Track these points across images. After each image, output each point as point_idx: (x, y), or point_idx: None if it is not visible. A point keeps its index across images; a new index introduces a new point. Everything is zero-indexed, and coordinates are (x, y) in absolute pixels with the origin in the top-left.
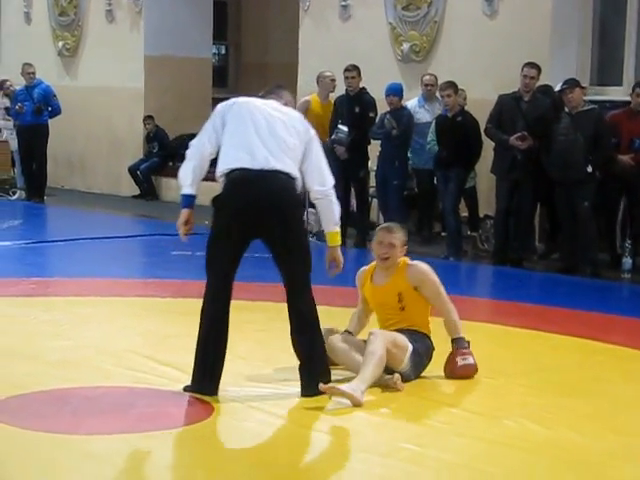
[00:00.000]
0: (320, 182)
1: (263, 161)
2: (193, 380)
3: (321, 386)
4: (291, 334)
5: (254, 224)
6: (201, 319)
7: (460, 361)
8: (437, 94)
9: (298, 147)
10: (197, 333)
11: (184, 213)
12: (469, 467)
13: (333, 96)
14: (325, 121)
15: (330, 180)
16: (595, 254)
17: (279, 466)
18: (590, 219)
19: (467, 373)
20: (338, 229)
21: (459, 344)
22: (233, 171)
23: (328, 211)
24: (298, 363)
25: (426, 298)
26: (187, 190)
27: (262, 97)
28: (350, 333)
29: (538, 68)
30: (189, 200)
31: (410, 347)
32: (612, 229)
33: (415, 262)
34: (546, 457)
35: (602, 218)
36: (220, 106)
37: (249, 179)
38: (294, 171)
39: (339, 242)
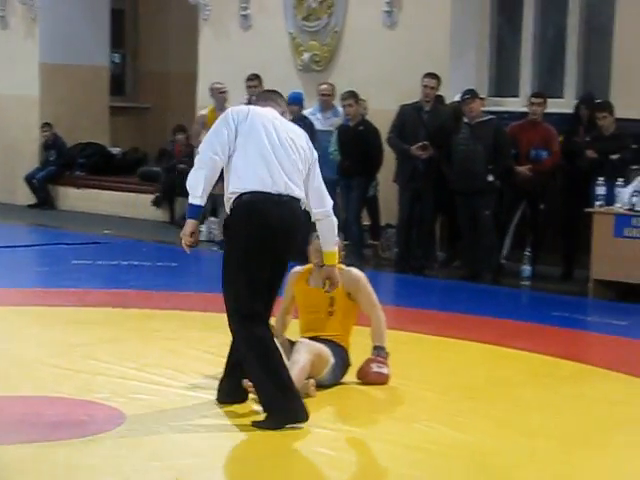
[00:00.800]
0: (321, 204)
1: (283, 186)
2: (280, 412)
3: (245, 382)
4: None
5: (277, 247)
6: (248, 346)
7: (375, 367)
8: (336, 103)
9: (304, 170)
10: (247, 365)
11: (191, 224)
12: (388, 471)
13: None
14: None
15: (329, 200)
16: (496, 261)
17: (189, 473)
18: (491, 227)
19: (379, 380)
20: (337, 248)
21: (379, 352)
22: (254, 193)
23: (329, 232)
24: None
25: (359, 304)
26: (197, 200)
27: (260, 104)
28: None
29: (438, 78)
30: (198, 211)
31: (332, 361)
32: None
33: (350, 268)
34: (461, 460)
35: (500, 226)
36: (233, 114)
37: (272, 203)
38: (303, 195)
39: (336, 261)
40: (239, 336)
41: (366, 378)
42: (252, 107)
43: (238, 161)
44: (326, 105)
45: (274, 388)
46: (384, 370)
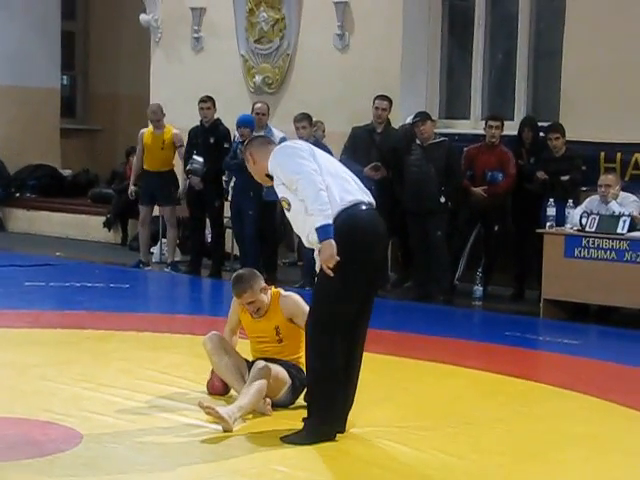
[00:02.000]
0: None
1: (369, 196)
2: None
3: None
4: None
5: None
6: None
7: None
8: (270, 124)
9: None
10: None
11: (333, 245)
12: None
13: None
14: (155, 150)
15: None
16: (448, 282)
17: None
18: (443, 248)
19: None
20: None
21: None
22: (360, 204)
23: None
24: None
25: (300, 328)
26: (330, 220)
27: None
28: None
29: (389, 100)
30: (332, 230)
31: (289, 382)
32: (457, 258)
33: (287, 294)
34: (412, 476)
35: (452, 248)
36: (304, 145)
37: (376, 214)
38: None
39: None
40: (318, 347)
41: None
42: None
43: (332, 180)
44: (259, 123)
45: (316, 398)
46: None
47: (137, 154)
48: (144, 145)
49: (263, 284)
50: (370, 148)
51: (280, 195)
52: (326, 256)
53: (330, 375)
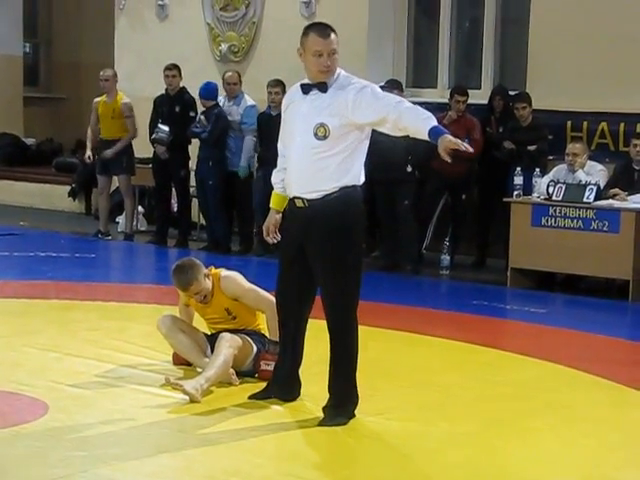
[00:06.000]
0: None
1: None
2: (352, 404)
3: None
4: None
5: None
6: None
7: (263, 365)
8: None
9: None
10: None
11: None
12: (306, 454)
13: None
14: (106, 119)
15: None
16: (415, 252)
17: (115, 462)
18: (410, 218)
19: (266, 377)
20: None
21: (270, 349)
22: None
23: None
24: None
25: (247, 305)
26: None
27: None
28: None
29: None
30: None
31: (255, 349)
32: (425, 228)
33: (226, 274)
34: (383, 444)
35: (419, 217)
36: None
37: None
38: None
39: None
40: (354, 332)
41: (258, 375)
42: None
43: (358, 155)
44: (231, 93)
45: (354, 382)
46: (270, 368)
47: (91, 122)
48: (98, 113)
49: (205, 270)
50: None
51: (320, 121)
52: (450, 141)
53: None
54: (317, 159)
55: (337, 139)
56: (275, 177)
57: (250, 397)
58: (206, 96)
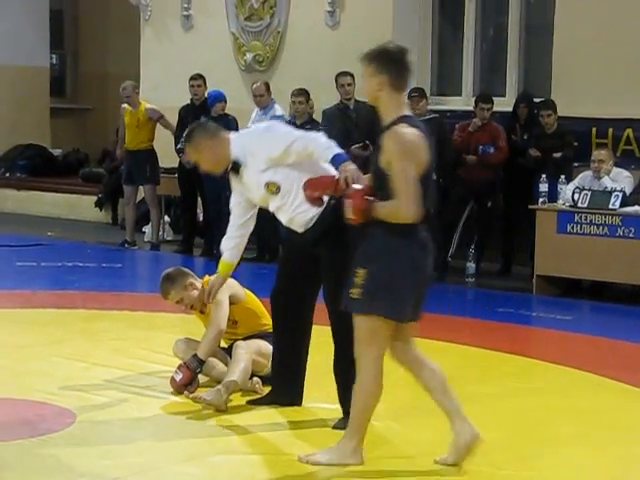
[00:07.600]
0: None
1: None
2: None
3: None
4: None
5: None
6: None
7: (173, 373)
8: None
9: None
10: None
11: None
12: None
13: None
14: (131, 129)
15: None
16: (441, 259)
17: (141, 471)
18: (435, 226)
19: (172, 385)
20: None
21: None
22: None
23: None
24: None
25: (247, 309)
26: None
27: None
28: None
29: (352, 75)
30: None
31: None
32: (450, 236)
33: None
34: (418, 455)
35: (445, 225)
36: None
37: None
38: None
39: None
40: None
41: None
42: None
43: None
44: (260, 105)
45: None
46: (177, 376)
47: (120, 131)
48: (125, 121)
49: (189, 280)
50: (349, 126)
51: (265, 181)
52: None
53: None
54: (286, 210)
55: (285, 182)
56: (225, 244)
57: (249, 402)
58: (216, 101)
